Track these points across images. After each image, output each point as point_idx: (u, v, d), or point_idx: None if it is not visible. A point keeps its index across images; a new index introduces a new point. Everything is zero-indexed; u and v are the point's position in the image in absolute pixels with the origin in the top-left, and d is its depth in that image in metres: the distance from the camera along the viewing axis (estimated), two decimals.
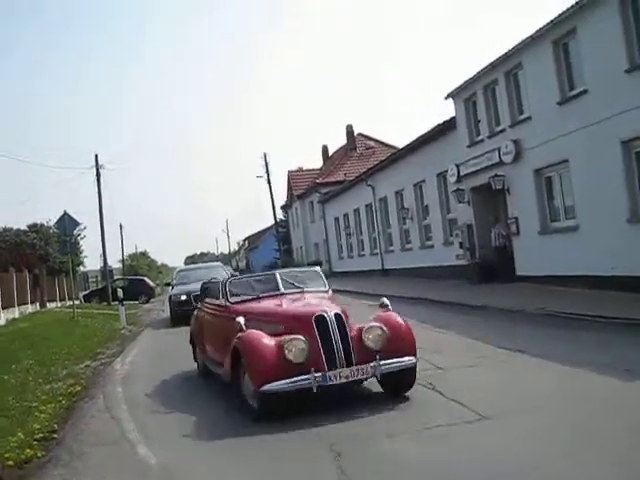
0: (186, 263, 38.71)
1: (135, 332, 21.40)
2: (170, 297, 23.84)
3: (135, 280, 49.59)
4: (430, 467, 5.71)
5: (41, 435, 7.99)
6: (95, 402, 10.23)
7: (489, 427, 6.83)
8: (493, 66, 21.45)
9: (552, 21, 17.77)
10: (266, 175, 59.47)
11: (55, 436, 8.06)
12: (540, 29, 18.38)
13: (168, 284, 29.48)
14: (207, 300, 11.50)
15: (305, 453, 6.52)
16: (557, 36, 18.12)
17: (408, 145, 30.98)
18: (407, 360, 8.16)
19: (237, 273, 29.59)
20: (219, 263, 30.39)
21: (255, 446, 7.00)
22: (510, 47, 20.04)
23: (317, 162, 62.37)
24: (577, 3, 16.65)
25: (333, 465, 5.98)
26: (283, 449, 6.78)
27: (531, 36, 18.91)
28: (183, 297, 20.84)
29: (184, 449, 7.25)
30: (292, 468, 6.18)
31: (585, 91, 17.10)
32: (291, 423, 7.51)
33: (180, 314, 20.32)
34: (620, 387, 7.94)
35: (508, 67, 20.92)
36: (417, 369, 8.46)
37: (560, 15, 17.41)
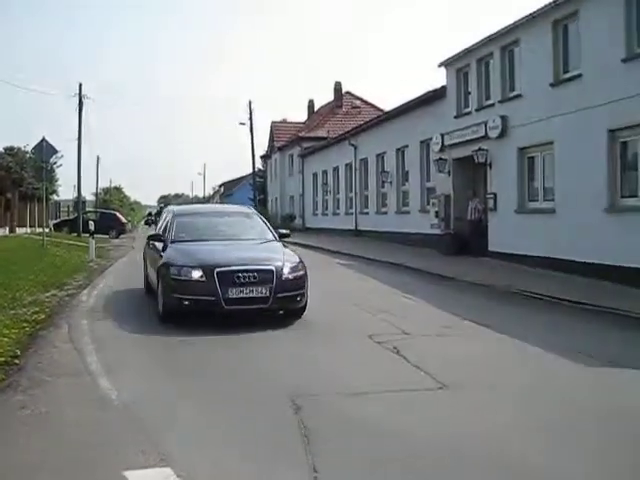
0: (159, 203, 37.81)
1: (103, 266, 21.29)
2: (163, 265, 11.29)
3: (107, 214, 49.21)
4: (386, 429, 5.78)
5: (2, 359, 7.96)
6: (59, 332, 10.20)
7: (447, 396, 6.96)
8: (490, 39, 21.31)
9: (555, 1, 17.63)
10: (249, 123, 58.96)
11: (17, 362, 8.02)
12: (542, 8, 18.23)
13: (149, 222, 28.80)
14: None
15: (267, 407, 6.56)
16: (558, 17, 18.00)
17: (395, 109, 30.84)
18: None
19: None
20: (250, 209, 15.53)
21: (219, 390, 7.05)
22: (510, 22, 19.90)
23: (302, 116, 61.93)
24: None
25: (295, 419, 6.03)
26: (245, 398, 6.83)
27: (532, 14, 18.77)
28: (196, 274, 10.53)
29: (145, 384, 7.33)
30: (254, 418, 6.22)
31: (579, 75, 17.07)
32: (258, 376, 7.58)
33: (186, 308, 10.57)
34: (577, 370, 8.13)
35: (505, 42, 20.79)
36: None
37: None
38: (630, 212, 15.52)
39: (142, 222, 67.79)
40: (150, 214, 30.29)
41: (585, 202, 16.65)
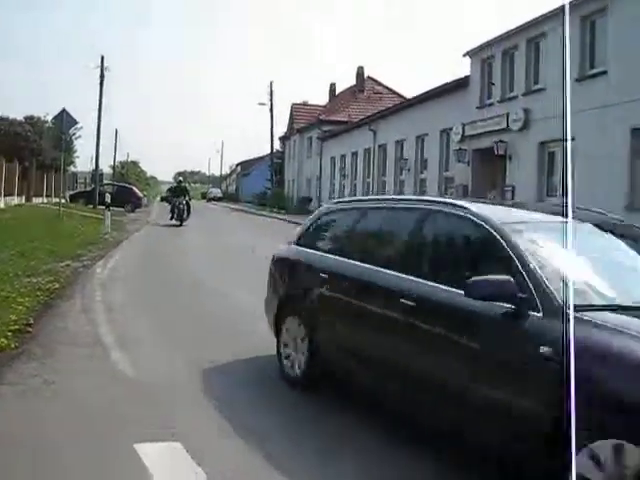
0: (175, 179, 37.64)
1: (118, 239, 21.34)
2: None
3: (124, 187, 49.22)
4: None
5: (16, 327, 7.99)
6: (73, 302, 10.26)
7: None
8: (517, 31, 21.18)
9: None
10: (269, 103, 58.90)
11: (30, 330, 8.06)
12: (572, 1, 18.00)
13: (168, 199, 33.31)
14: None
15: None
16: (587, 12, 17.86)
17: (417, 96, 30.77)
18: None
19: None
20: None
21: (231, 366, 7.08)
22: (537, 14, 19.74)
23: (323, 100, 61.74)
24: None
25: None
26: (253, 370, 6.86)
27: (560, 7, 18.54)
28: None
29: (156, 358, 7.37)
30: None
31: (604, 72, 16.97)
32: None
33: None
34: None
35: (531, 34, 20.65)
36: None
37: None
38: None
39: (158, 198, 67.78)
40: (171, 189, 31.60)
41: (604, 199, 16.47)
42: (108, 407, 5.73)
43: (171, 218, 29.07)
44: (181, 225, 28.14)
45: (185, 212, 28.85)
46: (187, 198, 29.48)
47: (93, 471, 4.49)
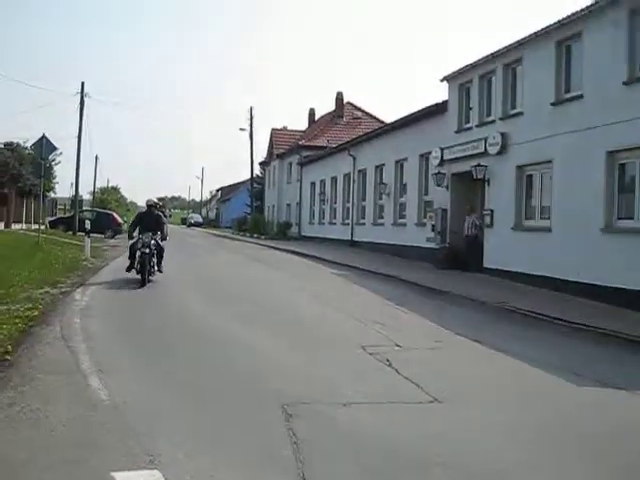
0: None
1: (98, 266, 21.24)
2: None
3: (104, 214, 49.01)
4: (376, 441, 5.79)
5: None
6: (52, 329, 10.16)
7: (437, 409, 6.99)
8: (494, 56, 21.39)
9: (560, 21, 17.73)
10: (249, 129, 59.10)
11: (8, 358, 8.00)
12: (546, 27, 18.33)
13: (129, 235, 18.33)
14: None
15: (260, 414, 6.56)
16: (562, 37, 18.09)
17: (396, 121, 30.92)
18: None
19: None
20: None
21: (208, 395, 7.05)
22: (514, 40, 20.00)
23: (302, 124, 62.06)
24: (587, 7, 16.64)
25: (286, 427, 6.04)
26: (238, 405, 6.84)
27: (536, 33, 18.85)
28: None
29: (135, 386, 7.31)
30: (246, 425, 6.22)
31: (580, 96, 17.15)
32: (253, 383, 7.58)
33: None
34: (567, 389, 8.17)
35: (508, 60, 20.88)
36: None
37: (568, 17, 17.38)
38: (626, 233, 15.57)
39: None
40: (135, 220, 18.54)
41: (581, 222, 16.70)
42: (87, 435, 5.68)
43: (129, 268, 16.78)
44: (143, 285, 15.77)
45: (152, 261, 16.60)
46: (158, 235, 17.16)
47: None
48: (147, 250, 16.24)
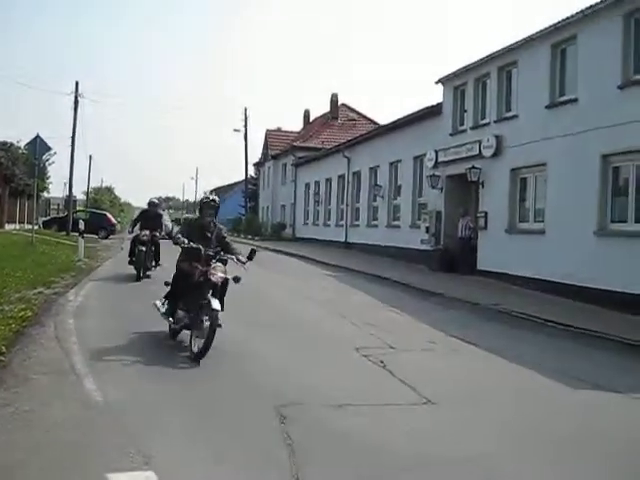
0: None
1: (92, 266, 21.18)
2: None
3: (97, 214, 48.85)
4: (370, 442, 5.80)
5: None
6: (45, 330, 10.14)
7: (430, 411, 7.03)
8: (489, 59, 21.45)
9: (555, 25, 17.79)
10: (244, 130, 59.06)
11: (2, 359, 7.98)
12: (541, 30, 18.39)
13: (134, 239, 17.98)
14: None
15: (253, 416, 6.57)
16: (557, 40, 18.15)
17: (391, 123, 30.94)
18: None
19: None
20: None
21: (201, 396, 7.05)
22: (509, 43, 20.05)
23: (297, 126, 62.08)
24: (582, 11, 16.69)
25: (280, 429, 6.05)
26: (231, 406, 6.84)
27: (531, 36, 18.92)
28: None
29: (130, 386, 7.32)
30: (240, 426, 6.23)
31: (575, 99, 17.20)
32: (244, 385, 7.58)
33: None
34: (562, 391, 8.23)
35: (503, 62, 20.94)
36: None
37: (563, 20, 17.45)
38: (619, 237, 15.63)
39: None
40: (137, 218, 19.62)
41: (575, 225, 16.75)
42: (82, 436, 5.68)
43: (130, 262, 17.85)
44: (139, 280, 16.87)
45: (148, 258, 17.64)
46: (157, 234, 18.06)
47: None
48: (144, 248, 17.21)
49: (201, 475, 5.03)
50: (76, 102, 43.42)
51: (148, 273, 17.41)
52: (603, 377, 9.03)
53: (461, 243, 23.03)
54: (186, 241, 9.36)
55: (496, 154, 20.73)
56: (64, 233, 40.20)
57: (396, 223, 29.69)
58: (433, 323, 12.73)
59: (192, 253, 9.36)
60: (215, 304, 8.60)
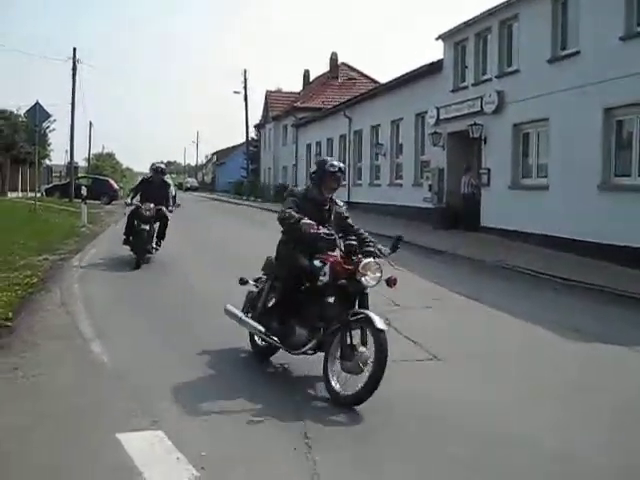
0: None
1: (95, 232, 21.22)
2: None
3: (99, 180, 48.75)
4: (374, 398, 5.83)
5: None
6: (51, 296, 10.20)
7: (437, 367, 7.08)
8: (490, 13, 21.17)
9: None
10: (244, 92, 58.69)
11: (9, 324, 8.04)
12: None
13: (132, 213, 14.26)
14: None
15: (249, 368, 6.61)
16: None
17: (391, 81, 30.65)
18: None
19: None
20: None
21: (205, 354, 7.09)
22: None
23: (297, 86, 61.60)
24: None
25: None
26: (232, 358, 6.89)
27: None
28: None
29: (137, 350, 7.38)
30: (239, 379, 6.28)
31: (577, 52, 17.00)
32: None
33: None
34: (564, 344, 8.31)
35: (504, 16, 20.66)
36: None
37: None
38: (623, 191, 15.56)
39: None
40: (139, 185, 15.25)
41: (578, 180, 16.67)
42: (90, 399, 5.74)
43: (125, 242, 14.29)
44: (137, 267, 13.30)
45: (151, 240, 14.16)
46: (164, 208, 14.24)
47: (78, 463, 4.51)
48: (146, 227, 13.77)
49: (208, 430, 5.07)
50: (74, 69, 43.03)
51: (149, 256, 14.08)
52: (610, 331, 9.07)
53: (464, 200, 22.96)
54: (314, 225, 6.43)
55: (498, 110, 20.57)
56: (67, 200, 40.15)
57: (399, 182, 29.59)
58: (437, 280, 12.76)
59: (315, 242, 6.56)
60: (379, 322, 5.93)
